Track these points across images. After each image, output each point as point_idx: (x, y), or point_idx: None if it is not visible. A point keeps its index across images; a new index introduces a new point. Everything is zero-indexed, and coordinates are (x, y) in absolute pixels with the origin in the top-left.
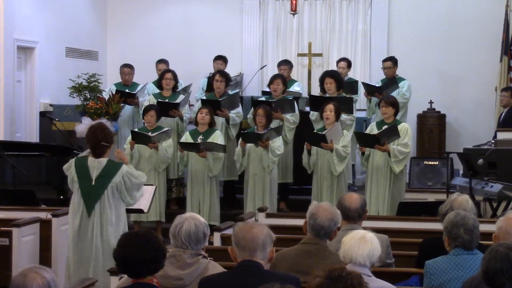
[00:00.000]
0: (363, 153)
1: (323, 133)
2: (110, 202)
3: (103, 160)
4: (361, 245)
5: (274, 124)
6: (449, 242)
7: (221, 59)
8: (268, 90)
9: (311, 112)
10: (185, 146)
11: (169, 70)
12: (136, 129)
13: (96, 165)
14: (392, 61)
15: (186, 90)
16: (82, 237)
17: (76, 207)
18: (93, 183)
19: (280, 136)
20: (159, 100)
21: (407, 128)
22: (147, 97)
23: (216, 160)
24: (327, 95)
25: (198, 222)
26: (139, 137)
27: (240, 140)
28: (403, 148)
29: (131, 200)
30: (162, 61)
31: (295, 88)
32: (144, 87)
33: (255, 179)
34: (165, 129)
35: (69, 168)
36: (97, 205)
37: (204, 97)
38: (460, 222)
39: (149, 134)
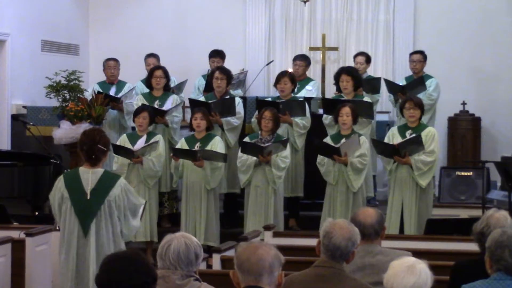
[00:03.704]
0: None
1: (337, 145)
2: (107, 220)
3: (99, 171)
4: (407, 275)
5: (282, 129)
6: (491, 264)
7: (217, 56)
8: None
9: (324, 115)
10: (179, 153)
11: (159, 67)
12: (121, 137)
13: (90, 176)
14: (422, 54)
15: (180, 88)
16: (81, 261)
17: (71, 228)
18: (88, 197)
19: (287, 144)
20: (143, 103)
21: (434, 133)
22: (135, 98)
23: (215, 171)
24: (343, 97)
25: (189, 241)
26: (121, 151)
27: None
28: (427, 158)
29: (125, 229)
30: (152, 56)
31: (307, 88)
32: (131, 91)
33: (257, 191)
34: (152, 141)
35: (55, 188)
36: (93, 224)
37: (202, 98)
38: (506, 242)
39: (132, 149)
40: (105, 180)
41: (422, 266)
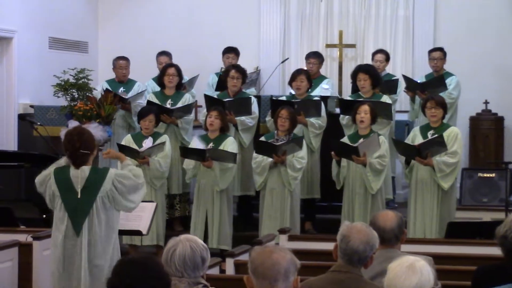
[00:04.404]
0: (407, 163)
1: (356, 145)
2: (100, 217)
3: (86, 168)
4: (408, 274)
5: (297, 129)
6: None
7: (232, 52)
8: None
9: (341, 116)
10: (187, 153)
11: (172, 65)
12: (126, 138)
13: (79, 174)
14: (442, 51)
15: (191, 83)
16: (70, 262)
17: (60, 226)
18: (79, 196)
19: (304, 145)
20: (148, 100)
21: (457, 134)
22: (146, 97)
23: (225, 172)
24: (362, 96)
25: (194, 244)
26: (126, 151)
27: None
28: (449, 159)
29: (130, 204)
30: (164, 53)
31: (323, 86)
32: (142, 93)
33: (273, 194)
34: (158, 142)
35: (44, 181)
36: (85, 223)
37: (215, 95)
38: None
39: (138, 149)
40: (94, 177)
41: (421, 264)
